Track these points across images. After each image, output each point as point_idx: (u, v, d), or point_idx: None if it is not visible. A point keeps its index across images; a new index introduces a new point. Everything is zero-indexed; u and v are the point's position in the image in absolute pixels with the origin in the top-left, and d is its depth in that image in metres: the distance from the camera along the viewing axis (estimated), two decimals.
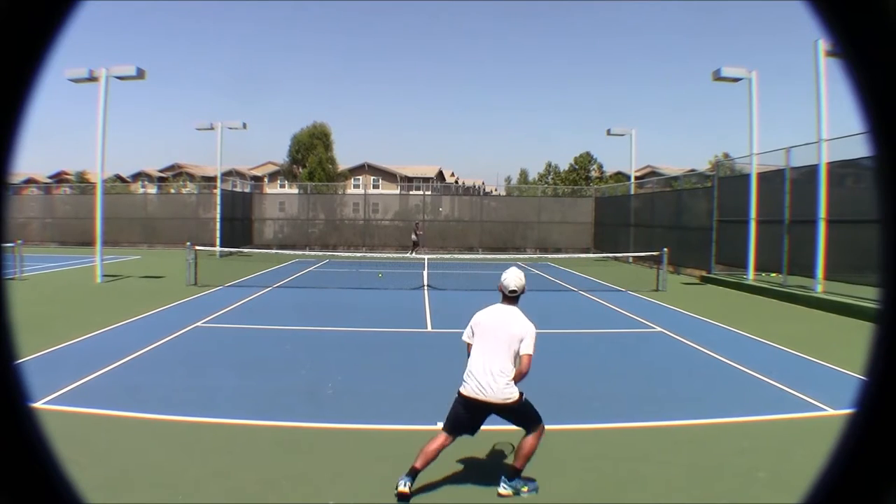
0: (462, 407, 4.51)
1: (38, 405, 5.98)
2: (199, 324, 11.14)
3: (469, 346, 4.65)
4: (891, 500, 0.70)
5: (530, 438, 4.50)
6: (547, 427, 5.69)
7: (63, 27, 0.70)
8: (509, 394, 4.43)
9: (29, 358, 7.91)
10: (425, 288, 17.00)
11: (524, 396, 4.52)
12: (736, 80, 18.68)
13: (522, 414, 4.52)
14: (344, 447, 5.41)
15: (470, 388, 4.45)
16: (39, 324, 10.38)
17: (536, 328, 4.66)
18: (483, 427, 4.73)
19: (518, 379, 4.47)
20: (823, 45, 14.66)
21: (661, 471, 4.98)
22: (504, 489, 4.43)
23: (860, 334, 7.54)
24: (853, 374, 7.78)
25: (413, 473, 4.35)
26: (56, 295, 15.06)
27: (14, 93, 0.69)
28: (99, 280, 17.45)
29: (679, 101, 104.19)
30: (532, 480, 4.57)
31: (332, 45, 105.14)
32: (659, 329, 11.32)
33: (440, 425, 5.81)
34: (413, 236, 29.93)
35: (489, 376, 4.40)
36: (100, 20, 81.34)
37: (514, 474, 4.49)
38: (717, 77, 18.64)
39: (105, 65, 17.84)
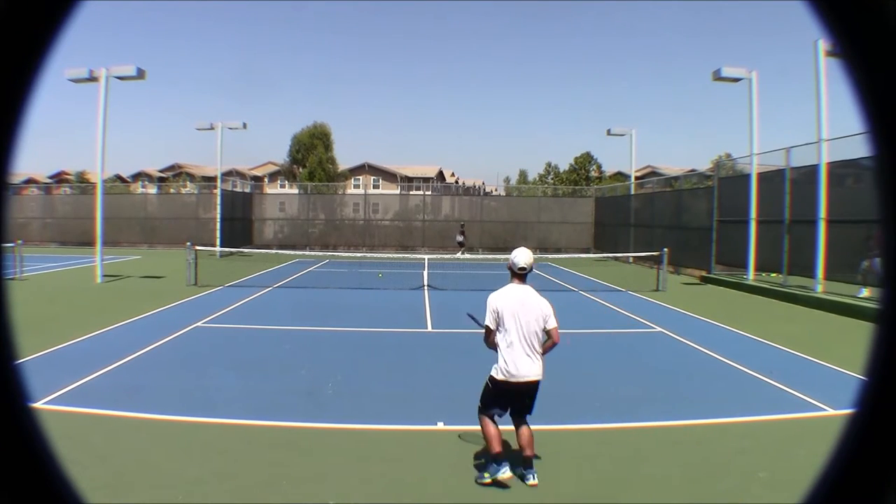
0: (502, 392, 4.62)
1: (38, 405, 5.98)
2: (199, 324, 11.15)
3: (489, 330, 4.69)
4: (891, 500, 0.70)
5: (526, 429, 4.69)
6: (547, 427, 5.70)
7: (63, 27, 0.70)
8: (542, 371, 4.65)
9: (29, 358, 7.91)
10: (425, 288, 17.00)
11: None
12: (736, 80, 18.68)
13: (535, 394, 4.69)
14: (344, 447, 5.41)
15: (518, 374, 4.56)
16: (39, 324, 10.38)
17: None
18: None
19: (548, 350, 4.72)
20: (823, 45, 14.66)
21: (661, 471, 4.98)
22: (534, 479, 4.57)
23: (860, 334, 7.56)
24: (853, 374, 7.78)
25: (500, 459, 4.54)
26: (56, 295, 15.06)
27: (14, 93, 0.69)
28: (99, 280, 17.45)
29: (679, 101, 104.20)
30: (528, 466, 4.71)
31: (332, 45, 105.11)
32: (659, 329, 11.32)
33: (440, 425, 5.83)
34: (460, 237, 29.82)
35: (529, 358, 4.57)
36: (100, 20, 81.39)
37: (530, 463, 4.63)
38: (717, 77, 18.63)
39: (105, 65, 17.87)
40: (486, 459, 4.71)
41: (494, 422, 4.68)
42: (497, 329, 4.67)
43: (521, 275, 4.76)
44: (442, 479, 4.79)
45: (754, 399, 7.06)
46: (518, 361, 4.55)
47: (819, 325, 12.32)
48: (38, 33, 0.69)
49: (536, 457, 4.74)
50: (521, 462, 4.68)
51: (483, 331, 4.83)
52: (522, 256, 4.78)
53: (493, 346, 4.75)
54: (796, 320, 12.73)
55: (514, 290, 4.72)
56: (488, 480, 4.53)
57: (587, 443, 5.63)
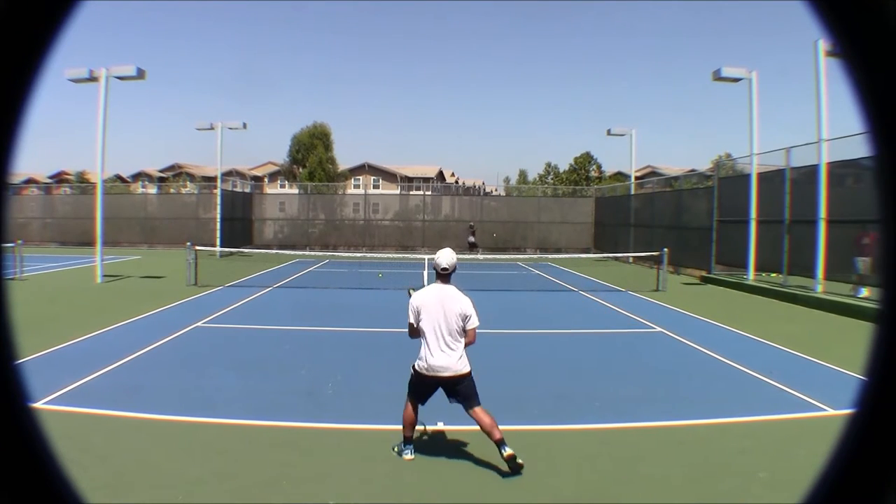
0: (420, 382, 5.00)
1: (38, 405, 5.98)
2: (199, 324, 11.15)
3: (412, 327, 5.03)
4: (891, 501, 0.70)
5: (481, 413, 4.87)
6: (547, 427, 5.70)
7: (63, 27, 0.70)
8: (463, 367, 4.90)
9: (29, 358, 7.91)
10: None
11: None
12: (736, 80, 18.68)
13: (469, 388, 4.93)
14: (344, 447, 5.41)
15: (432, 367, 4.87)
16: (39, 324, 10.38)
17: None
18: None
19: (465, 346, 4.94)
20: (823, 45, 14.66)
21: (661, 471, 4.98)
22: (509, 450, 4.71)
23: (860, 334, 7.56)
24: (853, 374, 7.78)
25: (407, 441, 5.03)
26: (56, 295, 15.06)
27: (14, 93, 0.69)
28: (99, 280, 17.45)
29: (679, 101, 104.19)
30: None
31: (332, 45, 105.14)
32: (659, 329, 11.32)
33: (440, 425, 5.84)
34: (471, 238, 29.68)
35: (444, 353, 4.85)
36: (100, 20, 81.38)
37: (504, 442, 4.77)
38: (718, 77, 18.63)
39: (105, 65, 17.86)
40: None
41: (415, 409, 5.05)
42: (418, 325, 4.97)
43: (443, 275, 5.04)
44: (442, 479, 4.79)
45: (754, 399, 7.06)
46: (434, 356, 4.86)
47: (819, 325, 12.32)
48: (38, 33, 0.69)
49: (502, 440, 4.80)
50: (496, 447, 4.80)
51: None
52: (444, 258, 5.05)
53: (416, 338, 5.09)
54: (796, 320, 12.73)
55: (436, 289, 5.01)
56: (395, 451, 5.10)
57: (587, 443, 5.63)
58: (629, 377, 8.01)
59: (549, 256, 26.07)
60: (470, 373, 4.93)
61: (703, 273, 20.49)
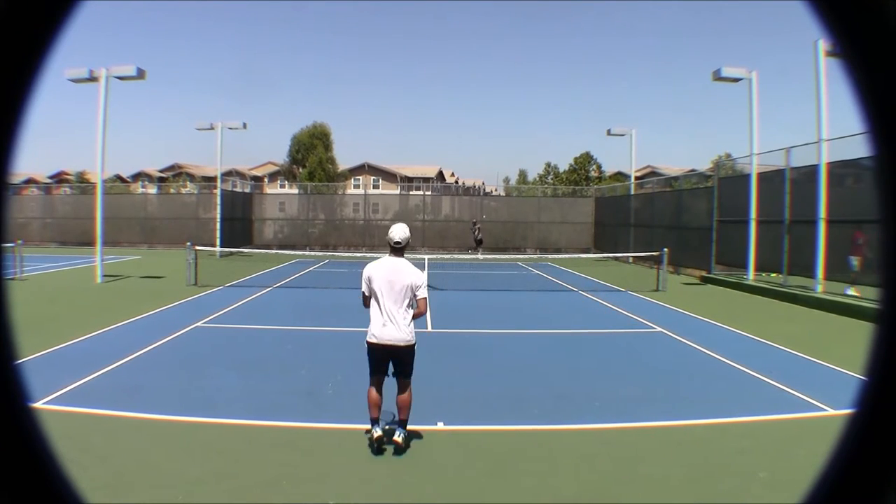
0: (372, 355, 5.16)
1: (38, 405, 5.98)
2: (199, 324, 11.15)
3: (366, 297, 5.21)
4: (891, 500, 0.70)
5: (405, 396, 5.17)
6: (548, 427, 5.70)
7: (63, 27, 0.70)
8: (410, 337, 5.11)
9: (29, 358, 7.92)
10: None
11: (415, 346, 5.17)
12: (736, 80, 18.68)
13: (410, 360, 5.16)
14: (344, 447, 5.41)
15: (380, 337, 5.07)
16: (39, 324, 10.38)
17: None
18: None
19: (415, 318, 5.15)
20: (823, 45, 14.66)
21: (661, 471, 4.98)
22: (400, 438, 5.11)
23: (860, 334, 7.56)
24: (853, 374, 7.79)
25: (373, 422, 5.18)
26: (56, 295, 15.06)
27: (14, 93, 0.69)
28: (99, 280, 17.45)
29: (679, 101, 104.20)
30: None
31: (332, 45, 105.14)
32: (659, 329, 11.32)
33: (440, 425, 5.85)
34: (478, 235, 29.45)
35: (395, 324, 5.03)
36: (100, 20, 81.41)
37: (403, 425, 5.17)
38: (718, 77, 18.63)
39: (105, 65, 17.86)
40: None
41: (378, 388, 5.22)
42: (371, 295, 5.16)
43: (395, 248, 5.22)
44: (442, 479, 4.79)
45: (754, 399, 7.06)
46: (382, 326, 5.06)
47: (819, 325, 12.32)
48: (38, 33, 0.69)
49: (405, 422, 5.19)
50: (397, 425, 5.18)
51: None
52: (397, 232, 5.25)
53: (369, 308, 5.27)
54: (796, 320, 12.73)
55: (388, 261, 5.21)
56: (366, 435, 5.25)
57: (587, 443, 5.63)
58: (629, 377, 8.01)
59: (549, 256, 26.06)
60: (413, 346, 5.14)
61: (703, 273, 20.50)
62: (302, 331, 10.94)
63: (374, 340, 5.11)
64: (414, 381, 7.94)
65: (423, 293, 5.13)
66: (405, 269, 5.12)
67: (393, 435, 5.15)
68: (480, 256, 26.46)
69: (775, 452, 5.37)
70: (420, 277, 5.13)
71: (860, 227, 13.87)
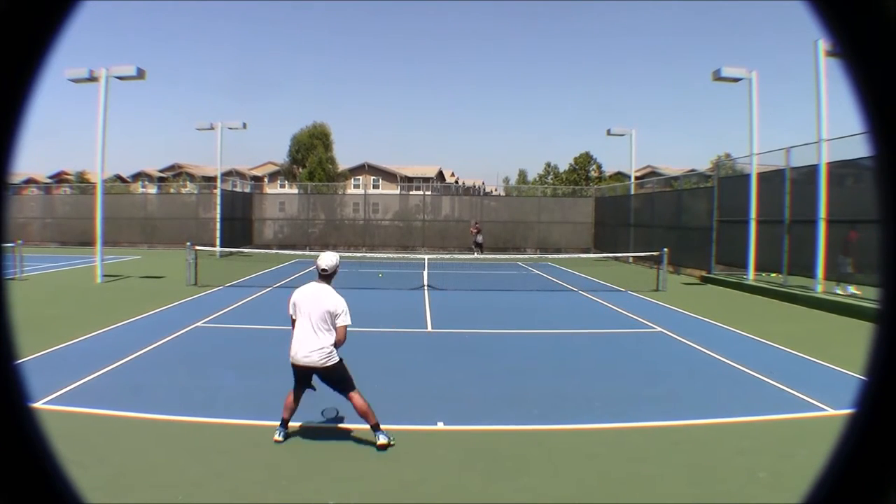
0: (295, 372, 5.40)
1: (38, 405, 5.98)
2: (199, 324, 11.15)
3: (293, 319, 5.44)
4: (891, 501, 0.70)
5: (356, 398, 5.31)
6: (548, 427, 5.71)
7: (63, 27, 0.70)
8: (327, 360, 5.27)
9: (29, 358, 7.91)
10: (425, 288, 17.00)
11: (342, 361, 5.37)
12: (736, 80, 18.68)
13: (338, 378, 5.34)
14: (344, 447, 5.41)
15: (296, 357, 5.31)
16: (39, 324, 10.38)
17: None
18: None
19: (338, 346, 5.32)
20: (823, 45, 14.66)
21: (661, 471, 4.98)
22: (382, 439, 5.24)
23: (860, 334, 7.55)
24: (853, 374, 7.79)
25: (281, 423, 5.42)
26: (56, 295, 15.06)
27: (14, 93, 0.69)
28: (99, 280, 17.45)
29: (679, 101, 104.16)
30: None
31: (332, 45, 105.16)
32: (659, 329, 11.32)
33: (440, 425, 5.85)
34: (479, 237, 29.37)
35: (309, 346, 5.25)
36: (100, 20, 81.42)
37: (378, 426, 5.28)
38: (718, 77, 18.63)
39: (105, 65, 17.86)
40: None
41: (295, 398, 5.46)
42: (296, 318, 5.41)
43: (323, 275, 5.48)
44: (442, 479, 4.79)
45: (754, 399, 7.06)
46: (298, 347, 5.31)
47: (819, 324, 12.32)
48: (38, 33, 0.69)
49: (378, 425, 5.28)
50: (371, 430, 5.30)
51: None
52: (325, 260, 5.51)
53: None
54: (796, 320, 12.73)
55: (313, 287, 5.45)
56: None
57: (587, 443, 5.63)
58: (629, 377, 8.01)
59: (549, 256, 26.06)
60: (335, 366, 5.30)
61: (703, 273, 20.50)
62: None
63: (293, 361, 5.35)
64: (413, 380, 7.95)
65: (343, 321, 5.29)
66: (327, 295, 5.33)
67: (377, 441, 5.25)
68: (480, 256, 26.48)
69: (775, 452, 5.37)
70: (340, 305, 5.30)
71: (854, 227, 13.89)
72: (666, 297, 15.84)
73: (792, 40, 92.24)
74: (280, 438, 5.37)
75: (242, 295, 15.00)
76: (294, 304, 5.42)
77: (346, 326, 5.32)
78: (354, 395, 5.32)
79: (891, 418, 0.70)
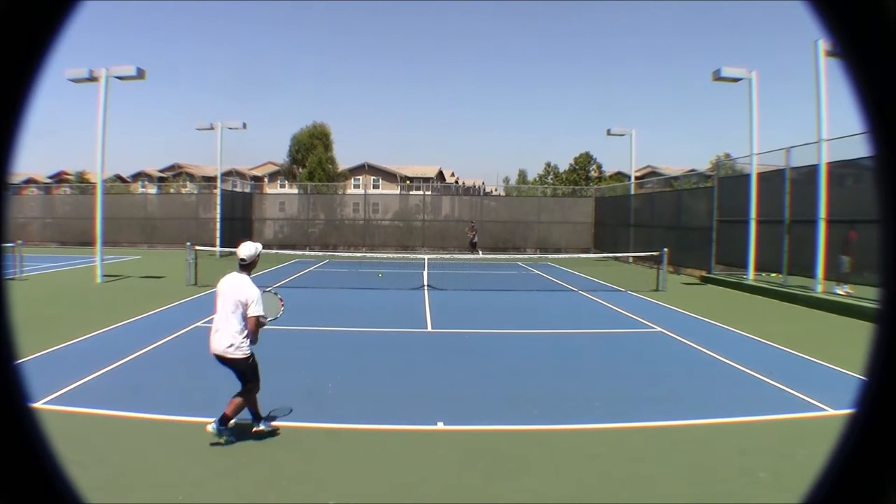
0: (215, 358, 5.45)
1: (38, 405, 5.99)
2: (199, 324, 11.14)
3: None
4: (891, 501, 0.70)
5: (238, 399, 5.35)
6: (548, 427, 5.70)
7: (63, 27, 0.70)
8: (235, 352, 5.32)
9: (29, 358, 7.91)
10: (425, 288, 17.00)
11: (251, 359, 5.41)
12: (736, 80, 18.68)
13: (241, 372, 5.39)
14: (344, 447, 5.41)
15: (211, 346, 5.40)
16: (39, 324, 10.38)
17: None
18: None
19: (252, 338, 5.37)
20: (823, 45, 14.66)
21: (661, 471, 4.98)
22: (211, 428, 5.28)
23: (860, 334, 7.55)
24: (853, 374, 7.79)
25: (225, 420, 5.37)
26: (56, 295, 15.06)
27: (14, 93, 0.69)
28: (99, 280, 17.45)
29: (679, 101, 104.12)
30: (233, 434, 5.37)
31: (332, 45, 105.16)
32: (659, 329, 11.32)
33: (440, 425, 5.85)
34: (474, 238, 29.45)
35: (221, 334, 5.32)
36: (100, 20, 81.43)
37: (224, 420, 5.30)
38: (718, 77, 18.63)
39: (105, 65, 17.87)
40: None
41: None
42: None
43: (242, 265, 5.53)
44: (442, 479, 4.79)
45: (754, 399, 7.06)
46: (213, 335, 5.39)
47: (819, 324, 12.32)
48: (38, 33, 0.69)
49: (227, 418, 5.34)
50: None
51: None
52: (244, 250, 5.56)
53: None
54: (796, 320, 12.73)
55: (231, 276, 5.51)
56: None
57: (587, 443, 5.63)
58: (629, 377, 8.01)
59: (549, 256, 26.07)
60: (242, 360, 5.34)
61: (703, 273, 20.50)
62: (302, 331, 10.93)
63: (210, 348, 5.44)
64: (413, 380, 7.95)
65: (254, 310, 5.29)
66: (242, 285, 5.37)
67: (218, 436, 5.31)
68: (480, 255, 26.48)
69: (775, 452, 5.37)
70: (252, 295, 5.31)
71: (854, 227, 13.89)
72: (666, 297, 15.84)
73: (792, 40, 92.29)
74: (210, 430, 5.33)
75: None
76: (216, 294, 5.51)
77: (257, 317, 5.32)
78: (243, 394, 5.36)
79: (891, 418, 0.70)
